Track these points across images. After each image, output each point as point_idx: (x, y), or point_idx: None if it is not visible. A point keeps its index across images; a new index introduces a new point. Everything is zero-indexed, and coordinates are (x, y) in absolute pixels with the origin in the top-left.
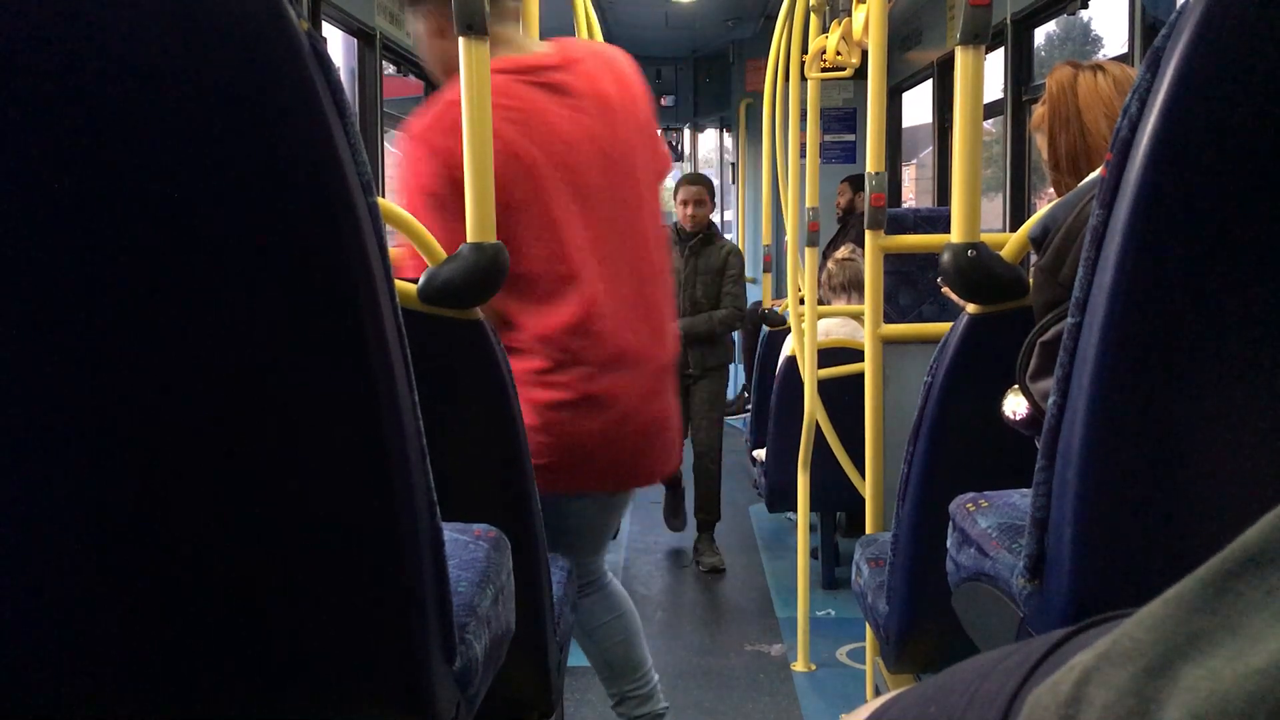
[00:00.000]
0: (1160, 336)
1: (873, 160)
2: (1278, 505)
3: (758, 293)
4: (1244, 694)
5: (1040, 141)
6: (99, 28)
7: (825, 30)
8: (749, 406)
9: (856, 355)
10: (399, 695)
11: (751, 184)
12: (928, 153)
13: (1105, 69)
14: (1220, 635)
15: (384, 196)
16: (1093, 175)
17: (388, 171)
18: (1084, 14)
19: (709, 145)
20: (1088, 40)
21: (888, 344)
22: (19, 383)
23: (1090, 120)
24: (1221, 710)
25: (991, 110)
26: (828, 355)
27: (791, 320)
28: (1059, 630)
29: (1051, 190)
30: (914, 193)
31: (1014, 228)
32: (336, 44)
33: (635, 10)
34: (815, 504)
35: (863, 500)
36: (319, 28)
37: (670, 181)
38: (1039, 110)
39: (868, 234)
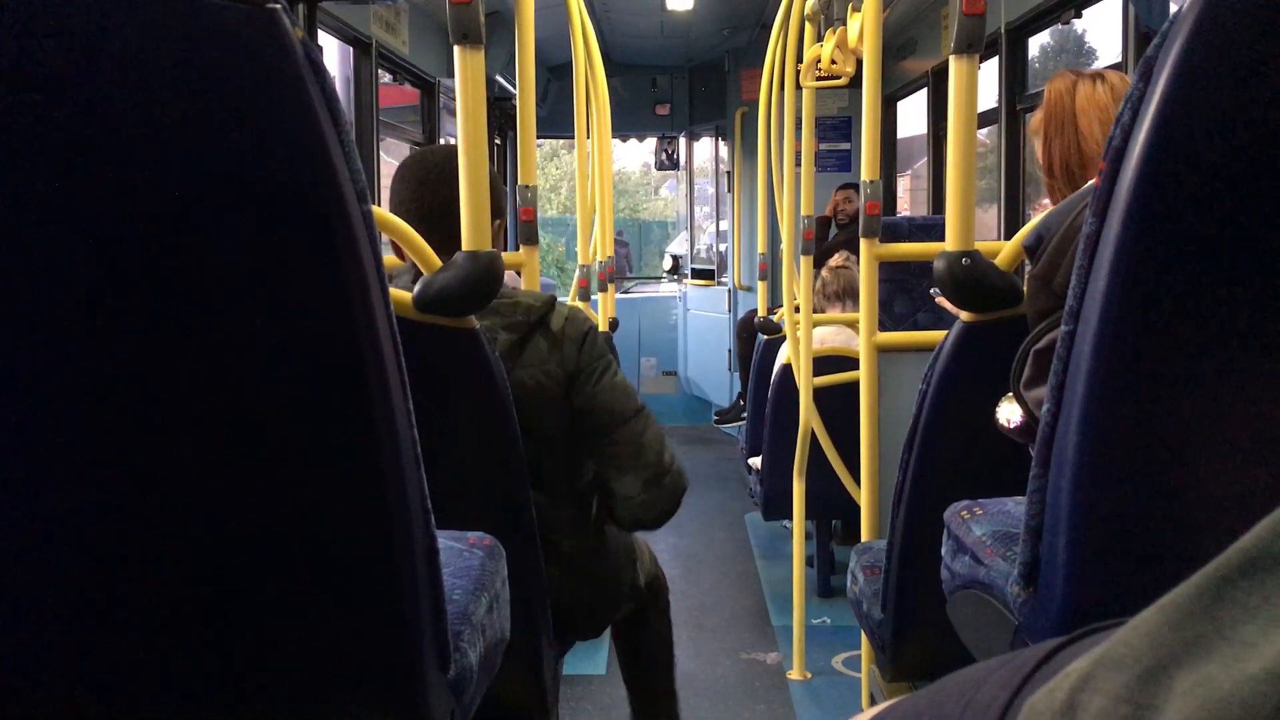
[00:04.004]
0: (1153, 344)
1: (868, 168)
2: (1272, 511)
3: (754, 300)
4: (1239, 700)
5: (1036, 146)
6: (96, 36)
7: (820, 39)
8: (744, 415)
9: (851, 363)
10: (393, 703)
11: (747, 192)
12: (922, 164)
13: (1105, 78)
14: (1216, 642)
15: (379, 204)
16: (1087, 184)
17: (383, 180)
18: (1078, 26)
19: (705, 154)
20: (1081, 52)
21: (883, 352)
22: (18, 394)
23: (1085, 126)
24: (1217, 717)
25: (986, 119)
26: (823, 363)
27: (787, 328)
28: (1051, 640)
29: (1045, 200)
30: (909, 204)
31: (1008, 237)
32: (332, 52)
33: (631, 20)
34: (810, 512)
35: (858, 508)
36: (314, 36)
37: (668, 191)
38: (1036, 115)
39: (863, 242)
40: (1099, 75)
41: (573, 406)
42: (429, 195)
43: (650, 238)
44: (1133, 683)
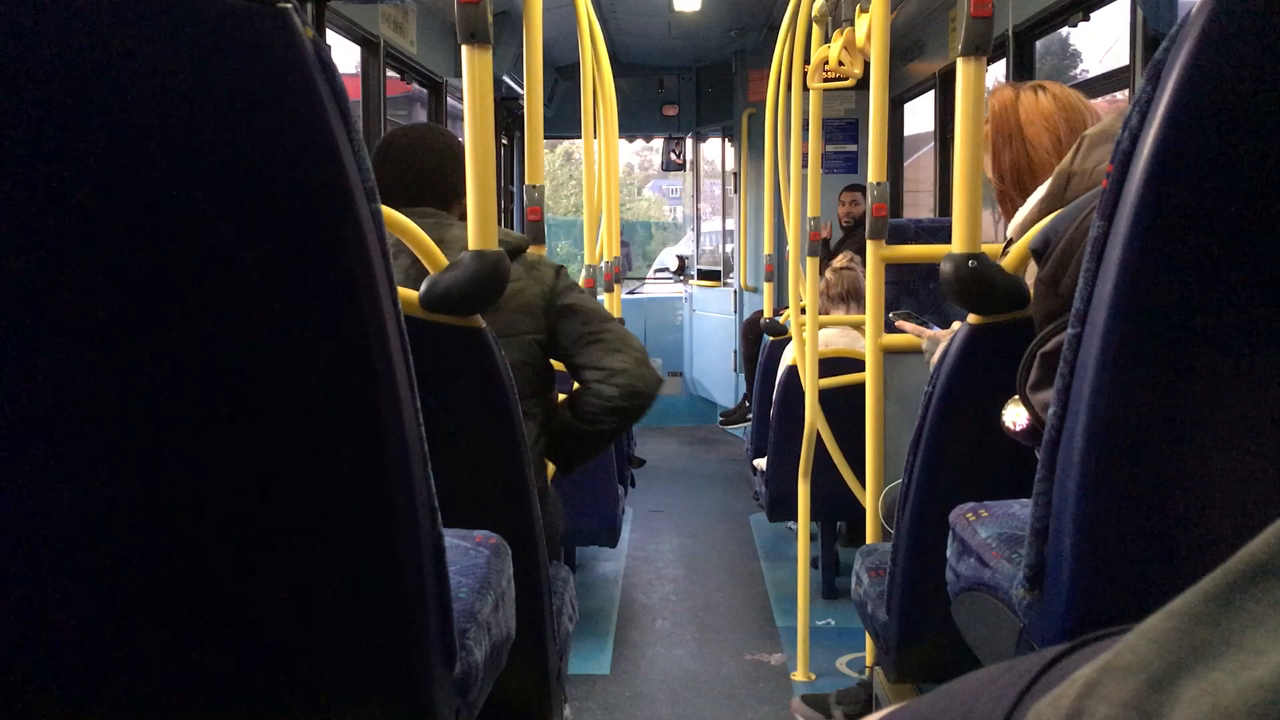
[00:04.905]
0: (1160, 348)
1: (874, 170)
2: None
3: (759, 302)
4: (1246, 707)
5: (984, 159)
6: (105, 34)
7: (827, 40)
8: (750, 416)
9: (857, 365)
10: (399, 700)
11: (754, 194)
12: (911, 165)
13: (1045, 88)
14: (1223, 648)
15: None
16: (1095, 188)
17: None
18: (1067, 32)
19: (711, 155)
20: (1066, 55)
21: (888, 353)
22: (21, 391)
23: (1033, 136)
24: None
25: None
26: (828, 365)
27: (793, 330)
28: (1052, 648)
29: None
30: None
31: None
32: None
33: (638, 20)
34: (815, 513)
35: (863, 510)
36: (323, 35)
37: (651, 192)
38: (983, 129)
39: (869, 244)
40: (1039, 86)
41: (554, 310)
42: (397, 171)
43: (634, 238)
44: (1140, 690)
